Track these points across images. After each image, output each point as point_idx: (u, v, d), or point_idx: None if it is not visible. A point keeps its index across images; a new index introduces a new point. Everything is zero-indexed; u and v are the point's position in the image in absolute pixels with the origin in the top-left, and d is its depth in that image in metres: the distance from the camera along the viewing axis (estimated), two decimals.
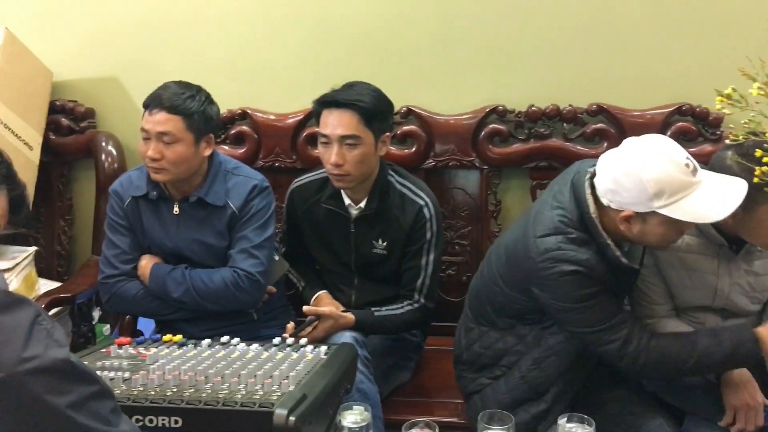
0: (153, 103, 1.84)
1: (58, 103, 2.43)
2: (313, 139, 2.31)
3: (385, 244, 1.98)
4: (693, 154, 1.55)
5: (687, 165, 1.48)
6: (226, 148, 2.35)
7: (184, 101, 1.84)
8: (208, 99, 1.91)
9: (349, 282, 2.06)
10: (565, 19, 2.18)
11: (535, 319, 1.70)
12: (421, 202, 1.95)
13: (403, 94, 2.23)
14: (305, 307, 1.86)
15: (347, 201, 1.99)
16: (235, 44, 2.36)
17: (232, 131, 2.36)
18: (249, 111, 2.35)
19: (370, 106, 1.86)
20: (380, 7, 2.27)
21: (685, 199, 1.46)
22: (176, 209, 1.93)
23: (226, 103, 2.34)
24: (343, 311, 1.87)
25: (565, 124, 2.19)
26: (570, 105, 2.18)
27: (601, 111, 2.17)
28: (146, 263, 1.93)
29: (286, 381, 1.34)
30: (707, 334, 1.60)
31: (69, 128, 2.43)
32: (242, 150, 2.34)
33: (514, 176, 2.28)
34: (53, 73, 2.42)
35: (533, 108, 2.20)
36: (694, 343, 1.57)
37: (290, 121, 2.32)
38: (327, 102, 1.88)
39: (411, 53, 2.28)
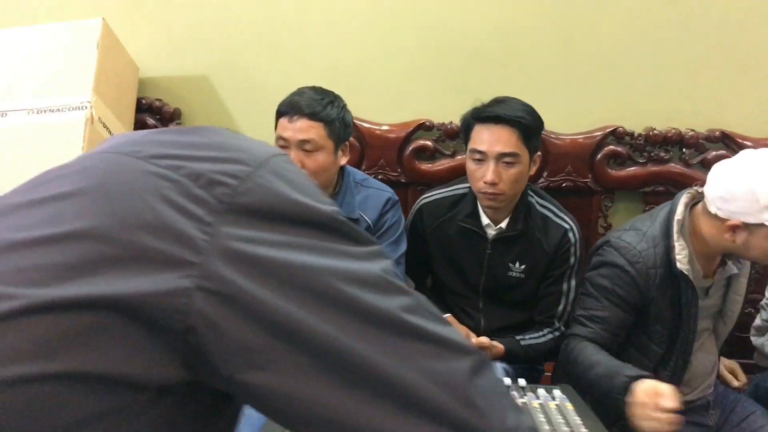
0: (292, 110, 1.72)
1: (144, 101, 2.26)
2: (420, 152, 2.23)
3: (523, 267, 1.89)
4: None
5: None
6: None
7: (324, 107, 1.73)
8: (345, 106, 1.80)
9: (474, 305, 1.96)
10: (686, 42, 2.15)
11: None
12: (566, 226, 1.88)
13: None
14: (474, 339, 1.77)
15: (486, 221, 1.89)
16: (340, 50, 2.25)
17: None
18: (355, 120, 2.24)
19: (530, 123, 1.78)
20: (498, 20, 2.19)
21: None
22: None
23: None
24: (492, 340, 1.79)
25: (684, 150, 2.17)
26: (692, 130, 2.16)
27: (723, 137, 2.15)
28: None
29: None
30: (606, 364, 1.56)
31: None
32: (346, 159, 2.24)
33: (627, 200, 2.23)
34: (139, 69, 2.26)
35: (654, 131, 2.16)
36: (592, 366, 1.57)
37: (398, 132, 2.23)
38: (486, 117, 1.79)
39: (528, 68, 2.21)
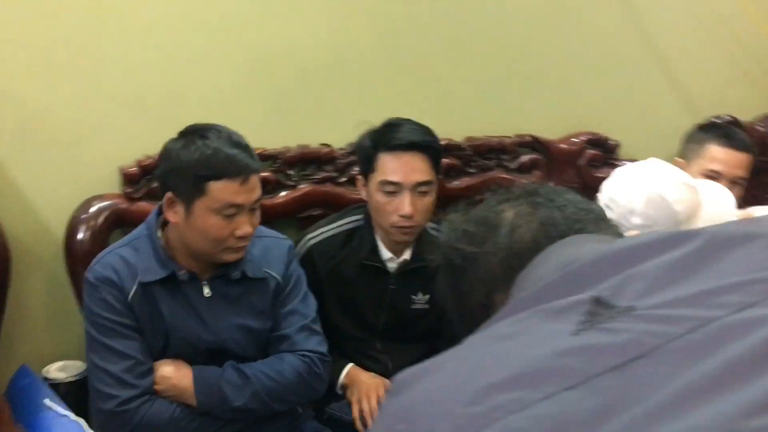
0: (241, 170, 1.41)
1: None
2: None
3: (427, 297, 1.80)
4: (599, 179, 1.83)
5: None
6: (143, 203, 1.84)
7: (256, 158, 1.50)
8: None
9: (372, 347, 1.81)
10: (491, 55, 2.24)
11: None
12: None
13: (341, 131, 2.05)
14: None
15: (387, 255, 1.76)
16: (147, 74, 1.86)
17: (155, 184, 1.85)
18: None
19: (439, 147, 1.72)
20: (327, 38, 2.03)
21: None
22: (207, 291, 1.47)
23: (133, 148, 1.86)
24: None
25: (502, 156, 2.27)
26: (507, 136, 2.27)
27: (534, 141, 2.30)
28: (177, 372, 1.43)
29: None
30: None
31: None
32: None
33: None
34: None
35: (478, 142, 2.22)
36: None
37: None
38: (397, 144, 1.65)
39: (357, 85, 2.09)
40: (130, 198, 1.82)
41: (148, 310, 1.43)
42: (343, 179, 2.05)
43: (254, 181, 1.41)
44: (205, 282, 1.48)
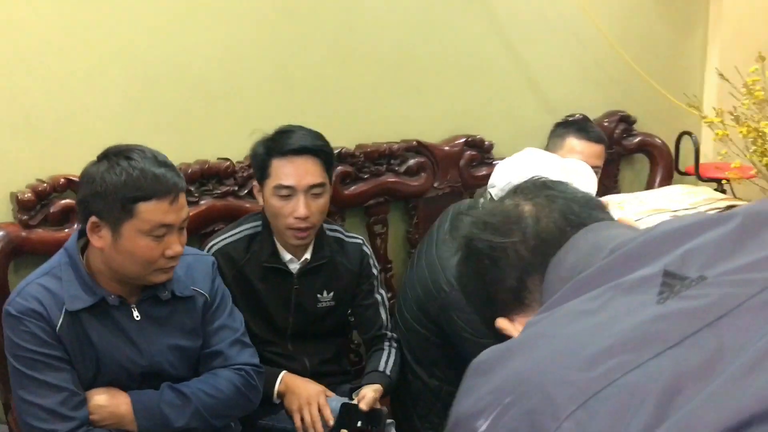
0: (169, 189, 1.40)
1: None
2: None
3: (331, 294, 1.86)
4: (478, 178, 2.22)
5: None
6: (40, 230, 1.75)
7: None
8: None
9: (284, 348, 1.85)
10: (372, 66, 2.34)
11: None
12: (359, 241, 1.93)
13: (239, 145, 2.06)
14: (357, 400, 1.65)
15: (287, 256, 1.80)
16: (30, 94, 1.78)
17: (53, 208, 1.76)
18: (71, 178, 1.80)
19: (330, 150, 1.78)
20: (216, 50, 2.03)
21: None
22: (136, 314, 1.44)
23: (24, 173, 1.79)
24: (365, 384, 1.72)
25: (392, 161, 2.37)
26: (395, 142, 2.37)
27: (419, 146, 2.42)
28: (112, 399, 1.39)
29: None
30: None
31: None
32: (70, 229, 1.78)
33: (353, 216, 2.32)
34: None
35: (369, 149, 2.30)
36: None
37: None
38: (289, 150, 1.70)
39: (248, 98, 2.11)
40: (26, 226, 1.72)
41: (77, 339, 1.37)
42: (244, 192, 2.06)
43: (182, 199, 1.41)
44: (133, 305, 1.44)
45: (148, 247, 1.37)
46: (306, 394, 1.69)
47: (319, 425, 1.63)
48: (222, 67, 2.06)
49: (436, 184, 2.46)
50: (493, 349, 0.62)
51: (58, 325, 1.35)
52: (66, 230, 1.78)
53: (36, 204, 1.74)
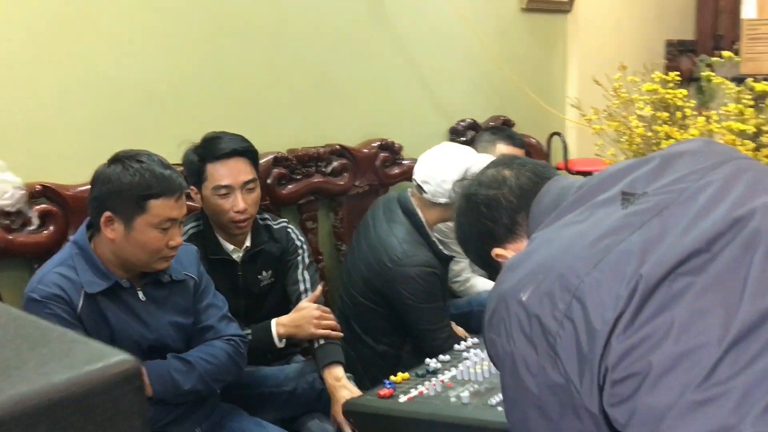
0: (171, 189, 1.63)
1: None
2: None
3: (270, 272, 2.12)
4: (391, 176, 2.64)
5: None
6: (22, 235, 1.90)
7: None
8: None
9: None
10: (299, 76, 2.63)
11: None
12: (284, 223, 2.20)
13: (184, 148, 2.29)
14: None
15: (230, 247, 2.05)
16: (4, 111, 1.92)
17: (30, 213, 1.92)
18: (49, 185, 1.96)
19: (255, 150, 2.05)
20: (165, 67, 2.25)
21: None
22: (141, 295, 1.66)
23: None
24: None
25: (319, 163, 2.65)
26: (322, 146, 2.66)
27: (342, 149, 2.72)
28: None
29: None
30: None
31: None
32: (47, 232, 1.94)
33: (287, 214, 2.59)
34: None
35: (299, 152, 2.58)
36: None
37: None
38: (221, 154, 1.96)
39: (194, 111, 2.33)
40: (8, 230, 1.87)
41: (95, 319, 1.57)
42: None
43: (183, 197, 1.64)
44: (139, 288, 1.66)
45: (156, 239, 1.59)
46: (306, 320, 1.97)
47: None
48: (170, 83, 2.27)
49: (356, 183, 2.77)
50: (517, 255, 0.95)
51: (79, 306, 1.54)
52: (44, 233, 1.94)
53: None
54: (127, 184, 1.55)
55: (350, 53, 2.78)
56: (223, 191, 1.94)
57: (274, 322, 2.01)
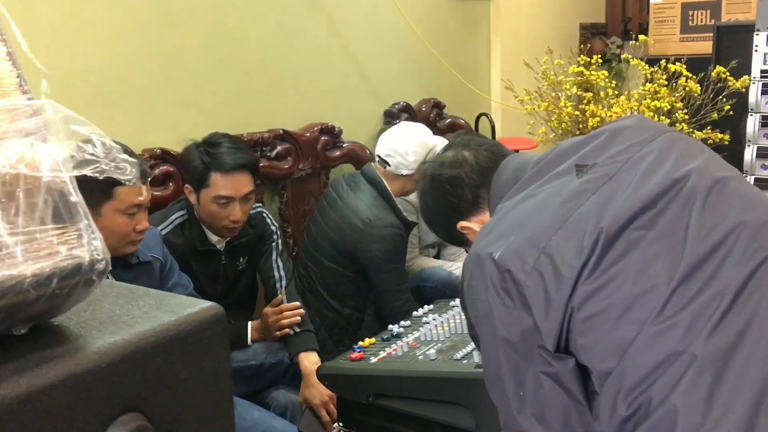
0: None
1: None
2: None
3: (245, 258, 2.22)
4: (332, 158, 2.81)
5: None
6: None
7: None
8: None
9: None
10: (241, 65, 2.70)
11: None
12: (259, 208, 2.30)
13: (135, 137, 2.34)
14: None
15: (215, 239, 2.13)
16: None
17: None
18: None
19: (257, 162, 2.14)
20: (109, 58, 2.28)
21: None
22: (110, 278, 1.72)
23: None
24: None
25: (264, 148, 2.73)
26: (265, 131, 2.74)
27: (285, 134, 2.81)
28: None
29: None
30: None
31: None
32: None
33: None
34: None
35: (246, 138, 2.65)
36: None
37: None
38: (229, 167, 2.02)
39: (135, 100, 2.37)
40: None
41: None
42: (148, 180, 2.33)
43: (148, 183, 1.71)
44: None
45: (123, 224, 1.65)
46: (267, 325, 2.09)
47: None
48: (115, 72, 2.31)
49: (300, 166, 2.87)
50: (487, 223, 1.09)
51: None
52: None
53: None
54: None
55: (289, 40, 2.86)
56: (223, 201, 2.01)
57: (249, 326, 2.11)
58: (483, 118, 3.88)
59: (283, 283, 2.27)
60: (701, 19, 4.15)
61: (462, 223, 1.29)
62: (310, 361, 2.03)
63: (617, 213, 0.96)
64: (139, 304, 0.58)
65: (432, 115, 3.60)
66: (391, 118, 3.37)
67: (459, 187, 1.28)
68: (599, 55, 2.38)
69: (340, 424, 1.52)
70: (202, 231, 2.10)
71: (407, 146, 2.39)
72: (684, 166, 1.01)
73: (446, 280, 2.50)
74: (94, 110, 2.24)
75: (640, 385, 0.87)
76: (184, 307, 0.57)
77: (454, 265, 2.68)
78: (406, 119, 3.39)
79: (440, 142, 2.45)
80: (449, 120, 3.71)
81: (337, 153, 3.02)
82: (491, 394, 1.03)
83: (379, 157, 2.44)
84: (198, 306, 0.58)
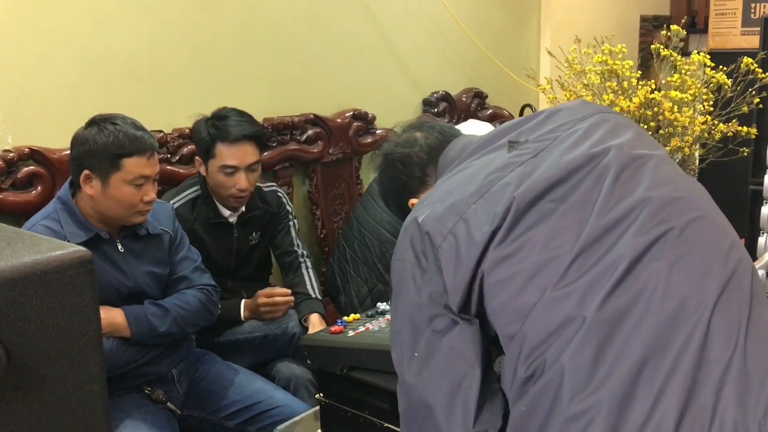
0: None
1: None
2: None
3: (258, 233, 2.30)
4: (364, 144, 2.81)
5: None
6: (12, 194, 2.06)
7: None
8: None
9: (224, 285, 2.22)
10: (273, 50, 2.77)
11: None
12: (274, 187, 2.37)
13: (166, 117, 2.45)
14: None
15: (227, 212, 2.21)
16: None
17: (19, 174, 2.08)
18: (37, 148, 2.11)
19: (262, 134, 2.19)
20: (144, 38, 2.39)
21: None
22: (120, 247, 1.82)
23: None
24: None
25: (294, 132, 2.81)
26: (296, 116, 2.81)
27: (316, 119, 2.87)
28: (108, 313, 1.76)
29: None
30: None
31: None
32: (35, 192, 2.10)
33: (265, 179, 2.74)
34: None
35: (276, 121, 2.73)
36: None
37: None
38: (233, 137, 2.10)
39: (169, 81, 2.47)
40: None
41: None
42: (175, 159, 2.44)
43: (155, 156, 1.79)
44: (118, 240, 1.82)
45: (130, 194, 1.75)
46: (258, 307, 2.15)
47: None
48: (149, 53, 2.42)
49: (330, 151, 2.93)
50: (426, 195, 1.12)
51: None
52: (32, 192, 2.10)
53: (5, 170, 2.05)
54: (102, 144, 1.71)
55: (323, 24, 2.92)
56: (229, 170, 2.10)
57: (243, 303, 2.18)
58: (527, 108, 3.85)
59: (307, 261, 2.35)
60: (764, 12, 3.98)
61: (412, 201, 1.32)
62: (316, 318, 2.19)
63: (531, 185, 0.98)
64: (14, 245, 0.65)
65: (473, 105, 3.60)
66: (429, 106, 3.40)
67: (409, 165, 1.33)
68: (622, 45, 2.34)
69: (321, 394, 1.57)
70: (215, 205, 2.19)
71: None
72: (605, 142, 1.02)
73: None
74: (126, 91, 2.37)
75: (539, 348, 0.90)
76: (52, 249, 0.63)
77: None
78: (445, 108, 3.42)
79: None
80: (491, 110, 3.70)
81: (370, 140, 3.06)
82: (392, 352, 1.06)
83: None
84: (65, 249, 0.64)
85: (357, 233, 2.60)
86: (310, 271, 2.35)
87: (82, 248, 0.65)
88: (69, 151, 2.12)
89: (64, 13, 2.22)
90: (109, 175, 1.72)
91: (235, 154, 2.10)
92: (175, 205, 2.13)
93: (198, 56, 2.55)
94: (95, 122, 1.75)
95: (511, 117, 3.77)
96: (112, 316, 1.76)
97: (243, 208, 2.23)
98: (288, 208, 2.38)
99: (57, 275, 0.62)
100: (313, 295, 2.29)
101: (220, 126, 2.12)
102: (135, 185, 1.75)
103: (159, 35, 2.45)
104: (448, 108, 3.43)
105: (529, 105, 3.82)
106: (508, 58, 3.72)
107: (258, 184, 2.31)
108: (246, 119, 2.18)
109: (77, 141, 1.75)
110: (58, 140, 2.18)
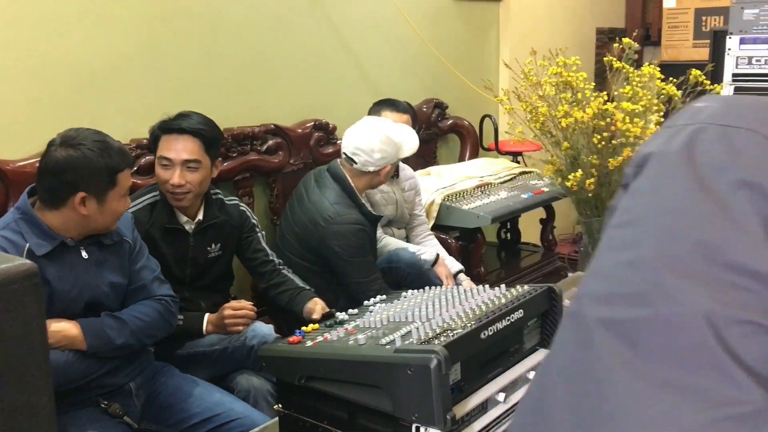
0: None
1: None
2: None
3: (218, 245, 2.27)
4: (325, 155, 2.88)
5: None
6: None
7: None
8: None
9: (182, 294, 2.17)
10: (238, 62, 2.78)
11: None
12: (235, 201, 2.37)
13: (123, 127, 2.43)
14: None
15: (184, 219, 2.19)
16: None
17: None
18: None
19: (209, 134, 2.17)
20: (105, 48, 2.37)
21: None
22: (84, 254, 1.80)
23: None
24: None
25: (254, 142, 2.81)
26: (255, 126, 2.81)
27: (276, 129, 2.88)
28: (62, 327, 1.74)
29: None
30: None
31: None
32: None
33: (225, 189, 2.73)
34: None
35: (235, 131, 2.72)
36: None
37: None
38: (172, 129, 2.10)
39: (130, 92, 2.46)
40: None
41: None
42: (133, 170, 2.42)
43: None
44: (82, 247, 1.79)
45: (123, 205, 1.79)
46: (222, 321, 2.14)
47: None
48: (108, 64, 2.40)
49: (291, 161, 2.93)
50: None
51: None
52: None
53: None
54: (100, 165, 1.70)
55: (286, 36, 2.94)
56: (164, 162, 2.09)
57: (206, 317, 2.16)
58: (487, 119, 3.90)
59: (284, 266, 2.38)
60: (714, 25, 4.10)
61: None
62: (319, 301, 2.27)
63: None
64: None
65: (433, 116, 3.64)
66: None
67: None
68: (576, 57, 2.39)
69: (280, 405, 1.57)
70: (171, 210, 2.17)
71: (373, 144, 2.42)
72: None
73: (411, 261, 2.59)
74: (85, 101, 2.35)
75: None
76: None
77: (420, 248, 2.75)
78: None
79: (407, 136, 2.51)
80: (451, 121, 3.74)
81: (331, 150, 3.08)
82: None
83: (345, 155, 2.48)
84: (10, 262, 0.64)
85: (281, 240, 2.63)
86: (290, 272, 2.38)
87: (27, 261, 0.65)
88: (24, 163, 2.12)
89: (20, 24, 2.19)
90: (106, 192, 1.73)
91: (171, 147, 2.10)
92: (134, 209, 2.10)
93: (157, 66, 2.55)
94: (74, 144, 1.69)
95: (471, 127, 3.83)
96: (67, 329, 1.74)
97: (200, 216, 2.22)
98: (253, 221, 2.37)
99: (1, 288, 0.62)
100: (306, 287, 2.33)
101: (168, 120, 2.14)
102: (124, 197, 1.80)
103: (117, 46, 2.43)
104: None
105: (488, 116, 3.88)
106: (467, 70, 3.77)
107: (220, 195, 2.30)
108: (197, 119, 2.16)
109: (69, 166, 1.69)
110: (12, 152, 2.16)
